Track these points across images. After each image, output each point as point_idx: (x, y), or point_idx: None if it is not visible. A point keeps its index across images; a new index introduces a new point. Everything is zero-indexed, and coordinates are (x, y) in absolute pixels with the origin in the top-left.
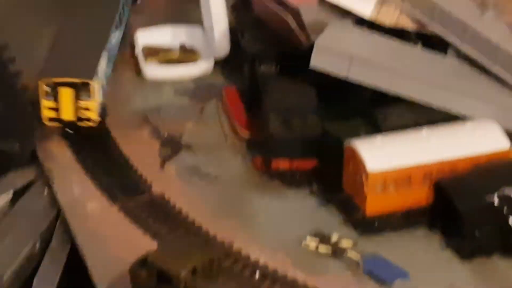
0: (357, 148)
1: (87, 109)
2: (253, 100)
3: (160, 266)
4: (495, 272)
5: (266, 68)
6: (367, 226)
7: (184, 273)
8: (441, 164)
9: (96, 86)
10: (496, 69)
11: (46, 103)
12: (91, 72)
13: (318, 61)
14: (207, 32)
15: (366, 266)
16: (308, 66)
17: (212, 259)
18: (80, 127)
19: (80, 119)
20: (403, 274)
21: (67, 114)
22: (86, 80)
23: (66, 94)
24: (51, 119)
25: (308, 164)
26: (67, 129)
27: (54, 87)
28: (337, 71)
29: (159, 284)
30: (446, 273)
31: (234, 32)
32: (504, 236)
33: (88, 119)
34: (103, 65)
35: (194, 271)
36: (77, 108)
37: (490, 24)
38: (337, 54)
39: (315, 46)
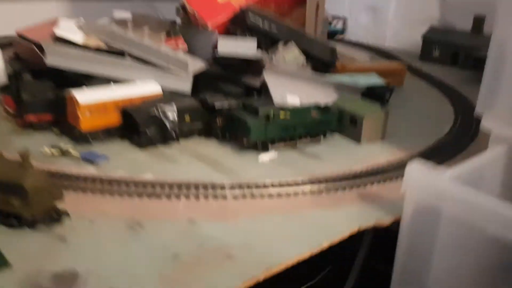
0: (72, 93)
1: None
2: (17, 95)
3: None
4: (160, 153)
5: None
6: (83, 139)
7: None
8: (124, 99)
9: None
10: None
11: None
12: None
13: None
14: None
15: (83, 156)
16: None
17: None
18: None
19: None
20: (104, 157)
21: None
22: None
23: None
24: None
25: (48, 117)
26: None
27: None
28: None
29: None
30: (132, 154)
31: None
32: (162, 132)
33: None
34: None
35: None
36: None
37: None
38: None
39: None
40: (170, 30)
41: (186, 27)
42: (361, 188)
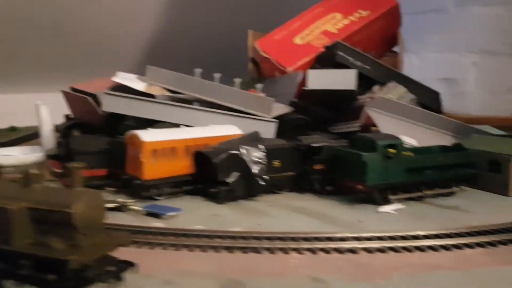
0: (134, 132)
1: None
2: (65, 150)
3: None
4: (246, 207)
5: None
6: (145, 191)
7: None
8: (197, 141)
9: None
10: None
11: None
12: None
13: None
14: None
15: (146, 209)
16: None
17: None
18: None
19: None
20: (176, 209)
21: None
22: None
23: None
24: None
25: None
26: None
27: None
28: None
29: None
30: (209, 209)
31: None
32: (247, 181)
33: None
34: None
35: None
36: None
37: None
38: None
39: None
40: None
41: (258, 81)
42: None
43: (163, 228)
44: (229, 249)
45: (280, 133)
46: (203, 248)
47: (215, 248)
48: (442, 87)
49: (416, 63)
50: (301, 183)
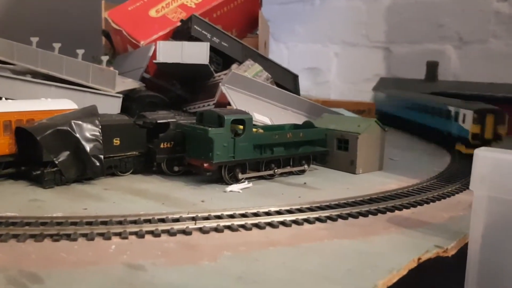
0: None
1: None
2: None
3: None
4: (77, 192)
5: None
6: None
7: None
8: (19, 115)
9: None
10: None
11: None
12: None
13: None
14: None
15: None
16: None
17: None
18: None
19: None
20: None
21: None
22: None
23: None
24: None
25: None
26: None
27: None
28: None
29: None
30: (31, 195)
31: None
32: (79, 161)
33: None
34: None
35: None
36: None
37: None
38: None
39: None
40: None
41: (111, 56)
42: (387, 214)
43: None
44: (36, 237)
45: (131, 112)
46: (2, 237)
47: (18, 237)
48: (309, 76)
49: (284, 52)
50: (147, 164)
